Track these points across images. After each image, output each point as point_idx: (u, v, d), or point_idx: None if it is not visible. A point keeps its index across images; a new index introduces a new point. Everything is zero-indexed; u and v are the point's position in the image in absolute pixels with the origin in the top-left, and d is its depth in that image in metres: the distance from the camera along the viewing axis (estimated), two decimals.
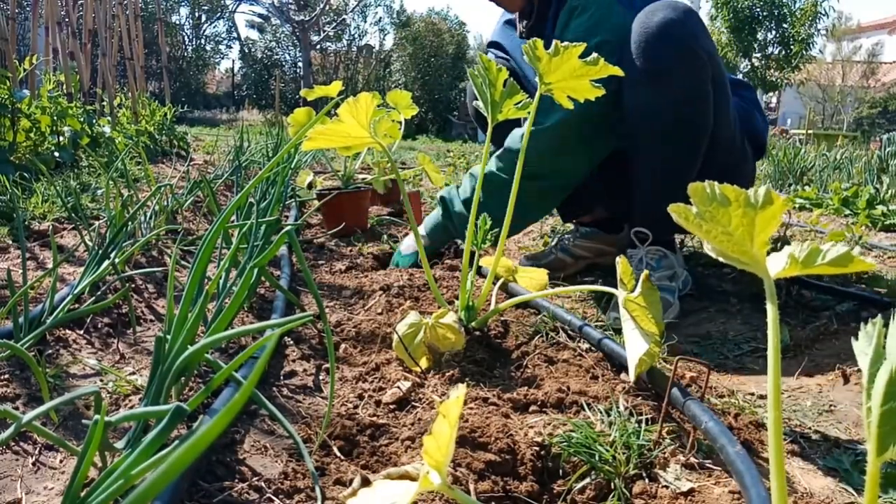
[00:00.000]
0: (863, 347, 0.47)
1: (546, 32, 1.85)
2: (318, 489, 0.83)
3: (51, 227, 1.94)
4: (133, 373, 1.14)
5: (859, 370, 0.46)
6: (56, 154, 3.13)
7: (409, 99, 2.44)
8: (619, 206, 2.05)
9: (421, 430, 0.97)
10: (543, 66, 1.27)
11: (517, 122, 1.90)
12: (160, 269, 1.71)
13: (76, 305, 1.27)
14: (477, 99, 1.44)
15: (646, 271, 1.12)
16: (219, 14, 24.99)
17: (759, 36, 15.69)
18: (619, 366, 1.23)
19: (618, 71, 1.27)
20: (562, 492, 0.87)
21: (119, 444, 0.80)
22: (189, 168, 3.10)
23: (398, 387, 1.11)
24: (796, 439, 1.07)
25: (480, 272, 1.69)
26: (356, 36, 23.78)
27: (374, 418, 1.02)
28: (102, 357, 1.18)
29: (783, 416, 1.16)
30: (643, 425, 0.98)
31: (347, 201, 2.65)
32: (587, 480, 0.88)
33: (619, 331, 1.26)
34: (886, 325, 0.48)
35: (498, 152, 1.89)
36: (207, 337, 0.84)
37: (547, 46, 1.25)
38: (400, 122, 2.29)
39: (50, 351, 1.13)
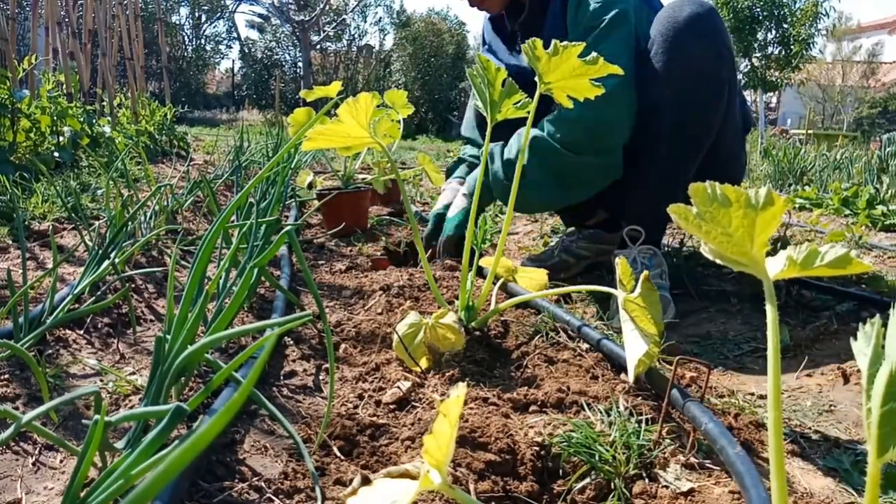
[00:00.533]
0: (862, 348, 0.47)
1: (545, 26, 1.84)
2: (318, 489, 0.83)
3: (51, 227, 1.94)
4: (133, 373, 1.14)
5: (859, 370, 0.46)
6: (56, 154, 3.13)
7: (405, 98, 2.44)
8: (619, 207, 2.06)
9: (421, 429, 0.97)
10: (543, 65, 1.27)
11: (517, 123, 1.89)
12: (160, 269, 1.71)
13: (76, 305, 1.27)
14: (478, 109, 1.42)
15: (645, 272, 1.12)
16: (219, 14, 24.97)
17: (759, 36, 15.67)
18: (619, 366, 1.23)
19: (618, 70, 1.26)
20: (562, 492, 0.87)
21: (119, 444, 0.80)
22: (189, 168, 3.10)
23: (398, 387, 1.11)
24: (796, 439, 1.07)
25: (480, 272, 1.68)
26: (356, 36, 23.77)
27: (374, 418, 1.02)
28: (102, 357, 1.18)
29: (783, 417, 1.16)
30: (643, 425, 0.98)
31: (347, 201, 2.65)
32: (587, 480, 0.88)
33: (619, 331, 1.26)
34: (885, 325, 0.48)
35: (550, 116, 1.73)
36: (207, 337, 0.84)
37: (546, 41, 1.25)
38: (399, 122, 2.29)
39: (50, 351, 1.13)
